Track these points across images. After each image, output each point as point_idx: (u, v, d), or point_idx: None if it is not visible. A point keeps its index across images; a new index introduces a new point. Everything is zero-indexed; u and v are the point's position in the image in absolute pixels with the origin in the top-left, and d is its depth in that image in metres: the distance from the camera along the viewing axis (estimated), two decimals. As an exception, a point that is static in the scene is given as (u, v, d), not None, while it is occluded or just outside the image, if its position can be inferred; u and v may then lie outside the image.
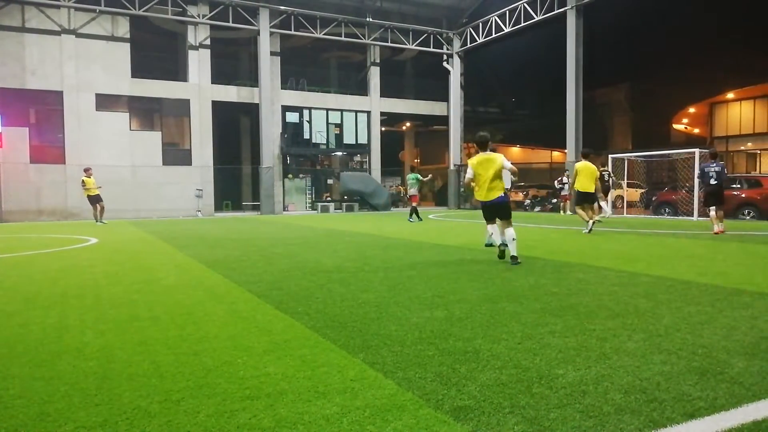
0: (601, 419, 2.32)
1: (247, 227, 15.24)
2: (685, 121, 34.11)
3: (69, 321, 4.23)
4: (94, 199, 17.10)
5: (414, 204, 17.15)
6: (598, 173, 11.64)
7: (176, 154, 23.32)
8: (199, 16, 22.90)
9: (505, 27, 24.57)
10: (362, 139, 27.56)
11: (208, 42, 23.39)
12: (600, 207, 11.64)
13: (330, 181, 27.55)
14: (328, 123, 26.57)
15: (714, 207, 11.32)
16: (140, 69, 22.37)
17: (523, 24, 23.66)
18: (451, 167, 28.97)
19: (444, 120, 29.73)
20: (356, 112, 27.25)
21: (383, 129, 28.69)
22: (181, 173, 23.13)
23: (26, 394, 2.71)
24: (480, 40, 26.39)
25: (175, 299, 5.02)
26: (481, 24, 26.29)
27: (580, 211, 11.51)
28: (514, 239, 6.97)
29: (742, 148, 30.48)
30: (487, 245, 7.95)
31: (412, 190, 17.09)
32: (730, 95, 30.64)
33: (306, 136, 25.96)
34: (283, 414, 2.43)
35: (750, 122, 30.12)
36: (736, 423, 2.28)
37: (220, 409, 2.49)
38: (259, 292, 5.25)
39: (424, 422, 2.32)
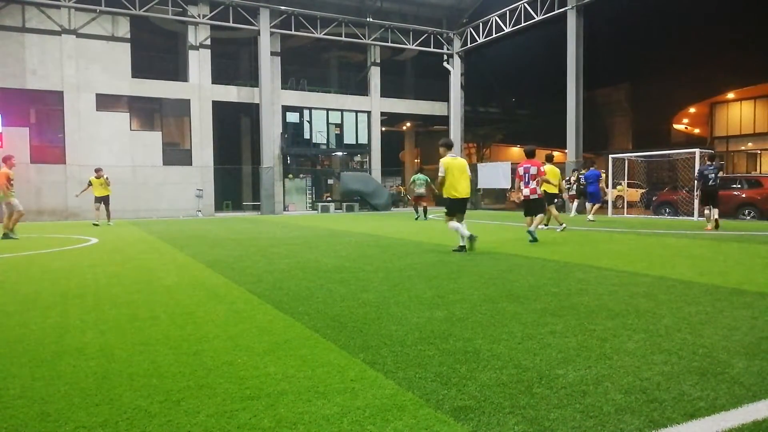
0: (601, 419, 2.32)
1: (247, 227, 15.24)
2: (685, 121, 34.09)
3: (69, 321, 4.23)
4: (98, 200, 16.93)
5: (425, 204, 17.72)
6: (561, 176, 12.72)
7: (176, 154, 23.33)
8: (199, 16, 22.90)
9: (506, 27, 24.57)
10: (362, 139, 27.55)
11: (208, 42, 23.40)
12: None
13: (330, 181, 27.54)
14: (328, 123, 26.57)
15: (710, 206, 12.24)
16: (140, 69, 22.37)
17: (523, 24, 23.66)
18: (452, 167, 28.90)
19: (444, 120, 29.73)
20: (356, 112, 27.24)
21: (383, 129, 28.69)
22: (181, 173, 23.13)
23: (26, 394, 2.71)
24: (480, 40, 26.39)
25: (176, 299, 5.03)
26: (481, 24, 26.29)
27: (554, 211, 12.39)
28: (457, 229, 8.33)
29: (743, 148, 30.47)
30: (455, 250, 8.40)
31: (422, 190, 17.50)
32: (731, 95, 30.62)
33: (306, 136, 25.96)
34: (284, 414, 2.43)
35: (750, 122, 30.10)
36: (736, 423, 2.28)
37: (221, 409, 2.49)
38: (259, 292, 5.25)
39: (425, 422, 2.32)
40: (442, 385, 2.74)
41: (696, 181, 13.00)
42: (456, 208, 8.47)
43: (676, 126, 34.15)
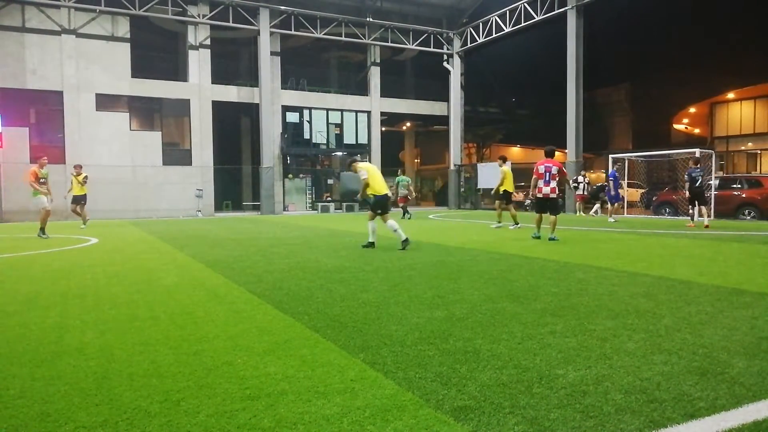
0: (601, 419, 2.32)
1: (247, 227, 15.23)
2: (685, 121, 34.11)
3: (69, 321, 4.23)
4: (75, 200, 15.62)
5: (403, 204, 19.24)
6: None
7: (176, 154, 23.33)
8: (199, 16, 22.90)
9: (506, 27, 24.57)
10: (362, 139, 27.55)
11: (208, 42, 23.40)
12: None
13: (330, 181, 27.55)
14: (328, 123, 26.57)
15: (694, 206, 13.29)
16: (140, 69, 22.37)
17: (523, 24, 23.66)
18: (452, 167, 28.96)
19: (444, 120, 29.73)
20: (356, 112, 27.25)
21: (383, 129, 28.69)
22: (181, 173, 23.13)
23: (26, 394, 2.71)
24: (480, 40, 26.39)
25: (176, 299, 5.02)
26: (481, 24, 26.29)
27: (513, 210, 13.38)
28: (396, 230, 8.82)
29: (743, 148, 30.49)
30: (365, 245, 9.24)
31: (404, 191, 19.13)
32: (731, 95, 30.64)
33: (306, 136, 25.96)
34: (283, 414, 2.43)
35: (750, 122, 30.12)
36: (736, 423, 2.28)
37: (221, 409, 2.49)
38: (259, 292, 5.25)
39: (425, 422, 2.32)
40: (442, 385, 2.74)
41: (687, 183, 13.61)
42: (381, 206, 9.21)
43: (676, 126, 34.17)
